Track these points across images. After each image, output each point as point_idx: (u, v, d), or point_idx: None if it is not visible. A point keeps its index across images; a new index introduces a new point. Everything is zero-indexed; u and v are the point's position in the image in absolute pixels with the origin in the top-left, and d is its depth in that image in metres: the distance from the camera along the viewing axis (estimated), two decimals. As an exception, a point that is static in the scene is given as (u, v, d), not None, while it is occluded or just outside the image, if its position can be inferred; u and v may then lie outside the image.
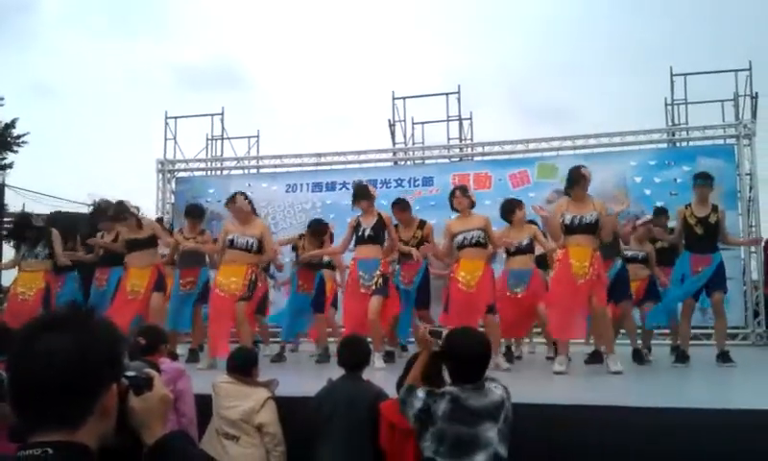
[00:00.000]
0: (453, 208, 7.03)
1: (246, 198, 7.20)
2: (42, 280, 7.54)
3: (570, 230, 6.30)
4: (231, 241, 7.01)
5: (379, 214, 7.08)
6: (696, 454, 3.79)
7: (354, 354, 4.17)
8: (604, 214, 6.30)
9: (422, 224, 7.64)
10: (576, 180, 6.37)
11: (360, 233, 7.02)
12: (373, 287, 6.81)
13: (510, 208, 7.32)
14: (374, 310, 6.73)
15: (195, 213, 8.05)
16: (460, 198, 6.90)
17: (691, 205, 7.05)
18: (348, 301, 7.14)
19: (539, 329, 8.42)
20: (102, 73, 51.71)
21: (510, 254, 7.29)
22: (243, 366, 4.39)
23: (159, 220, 9.42)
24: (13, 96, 35.59)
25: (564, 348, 6.28)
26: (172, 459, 1.32)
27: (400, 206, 7.66)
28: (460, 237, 6.76)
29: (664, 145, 11.37)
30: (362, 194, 7.15)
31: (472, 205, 6.93)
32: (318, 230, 7.98)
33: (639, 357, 7.03)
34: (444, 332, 3.53)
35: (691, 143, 11.21)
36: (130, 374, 1.38)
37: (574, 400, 4.43)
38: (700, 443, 3.83)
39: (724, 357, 6.72)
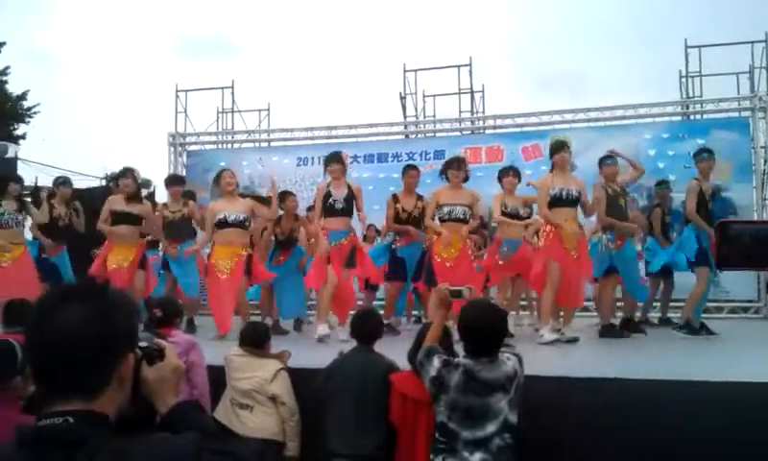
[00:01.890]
0: (446, 178, 6.90)
1: (233, 175, 7.28)
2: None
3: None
4: (224, 219, 7.00)
5: (349, 185, 6.98)
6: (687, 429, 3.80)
7: (366, 327, 4.18)
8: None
9: (420, 197, 7.53)
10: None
11: (330, 204, 6.87)
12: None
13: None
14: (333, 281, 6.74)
15: (177, 182, 8.29)
16: (455, 172, 6.83)
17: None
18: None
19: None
20: (105, 41, 51.34)
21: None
22: (255, 340, 4.43)
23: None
24: (16, 66, 35.12)
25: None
26: (184, 427, 1.34)
27: (412, 169, 7.64)
28: (446, 209, 6.73)
29: (678, 118, 11.24)
30: (335, 159, 7.02)
31: (466, 179, 6.92)
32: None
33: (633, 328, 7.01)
34: (465, 292, 3.55)
35: (705, 116, 11.08)
36: (142, 344, 1.40)
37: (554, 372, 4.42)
38: (698, 416, 3.83)
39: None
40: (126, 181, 7.36)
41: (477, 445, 3.10)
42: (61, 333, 1.22)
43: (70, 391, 1.22)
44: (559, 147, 6.56)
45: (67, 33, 48.05)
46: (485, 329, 3.24)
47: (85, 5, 47.99)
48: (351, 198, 6.89)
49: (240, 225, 7.02)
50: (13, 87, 21.38)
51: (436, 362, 3.24)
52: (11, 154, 11.39)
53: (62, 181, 8.39)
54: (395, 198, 7.50)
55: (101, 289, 1.32)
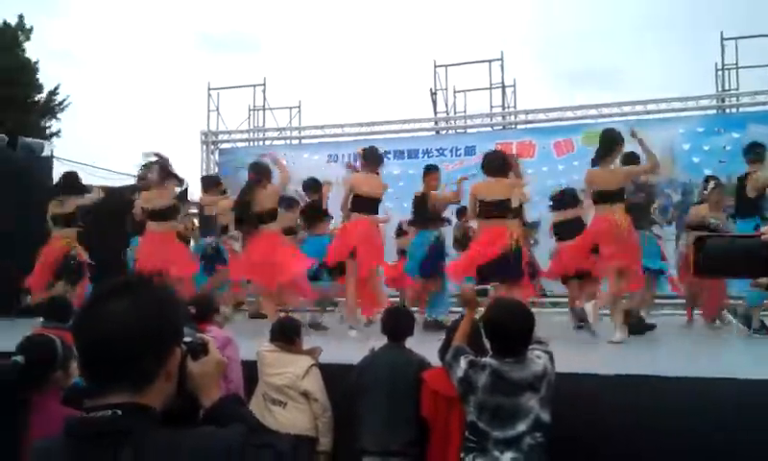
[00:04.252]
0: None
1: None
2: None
3: None
4: None
5: None
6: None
7: (398, 324, 4.18)
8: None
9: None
10: None
11: None
12: None
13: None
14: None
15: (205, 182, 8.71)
16: (486, 167, 6.79)
17: None
18: None
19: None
20: (134, 42, 51.63)
21: None
22: (285, 335, 4.46)
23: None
24: (44, 64, 34.85)
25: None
26: (228, 421, 1.36)
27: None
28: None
29: (713, 111, 11.08)
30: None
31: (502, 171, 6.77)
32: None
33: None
34: (491, 290, 3.55)
35: (741, 109, 10.90)
36: (187, 339, 1.42)
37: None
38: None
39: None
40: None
41: (508, 444, 3.08)
42: (111, 327, 1.24)
43: (118, 384, 1.24)
44: None
45: (94, 33, 48.38)
46: (510, 329, 3.21)
47: (111, 5, 48.38)
48: None
49: None
50: (43, 83, 21.62)
51: (462, 363, 3.23)
52: (46, 152, 11.54)
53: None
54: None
55: (148, 284, 1.35)
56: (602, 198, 6.30)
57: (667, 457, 3.75)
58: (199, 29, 57.74)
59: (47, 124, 21.44)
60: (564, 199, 7.77)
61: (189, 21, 54.24)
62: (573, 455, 3.62)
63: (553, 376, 3.21)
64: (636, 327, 6.65)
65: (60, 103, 21.77)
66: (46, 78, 21.75)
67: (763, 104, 10.63)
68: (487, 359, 3.23)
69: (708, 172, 8.97)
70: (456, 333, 3.51)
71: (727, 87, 11.31)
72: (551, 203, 8.05)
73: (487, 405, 3.13)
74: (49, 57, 41.17)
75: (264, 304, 7.28)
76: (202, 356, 1.43)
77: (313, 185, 8.31)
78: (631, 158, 6.77)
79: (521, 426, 3.08)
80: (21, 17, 21.16)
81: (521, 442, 3.07)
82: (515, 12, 49.06)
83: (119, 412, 1.20)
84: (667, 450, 3.72)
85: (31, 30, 21.39)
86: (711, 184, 7.51)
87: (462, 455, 3.23)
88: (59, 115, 21.83)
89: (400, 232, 9.09)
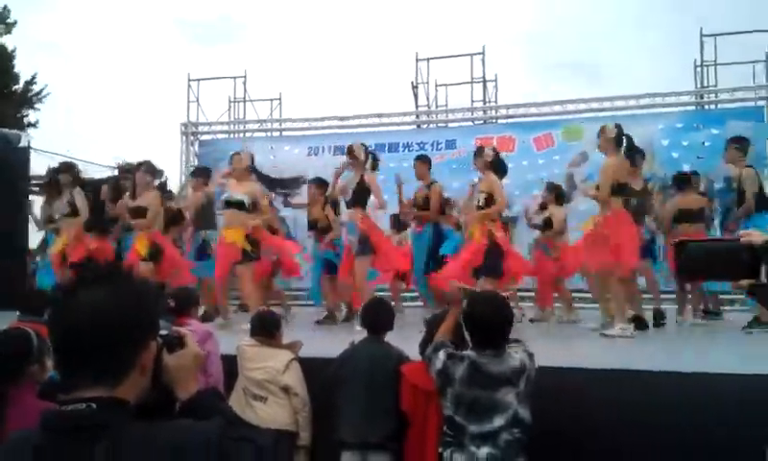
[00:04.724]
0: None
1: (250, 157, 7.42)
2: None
3: None
4: (226, 199, 7.02)
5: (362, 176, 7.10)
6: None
7: (377, 317, 4.18)
8: None
9: (431, 184, 7.73)
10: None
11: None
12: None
13: None
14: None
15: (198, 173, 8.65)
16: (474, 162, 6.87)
17: None
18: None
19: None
20: (113, 32, 51.09)
21: None
22: (266, 329, 4.42)
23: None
24: (24, 55, 34.10)
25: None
26: (205, 414, 1.35)
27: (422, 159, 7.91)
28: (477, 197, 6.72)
29: (692, 108, 11.18)
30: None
31: (491, 166, 6.73)
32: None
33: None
34: (478, 288, 3.55)
35: (720, 106, 11.01)
36: (162, 332, 1.41)
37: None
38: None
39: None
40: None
41: (484, 439, 3.09)
42: (85, 319, 1.23)
43: (93, 378, 1.23)
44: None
45: (73, 23, 47.85)
46: (491, 320, 3.24)
47: (97, -2, 47.92)
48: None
49: (237, 206, 6.92)
50: (20, 73, 21.40)
51: (441, 355, 3.24)
52: (23, 143, 11.37)
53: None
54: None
55: (125, 276, 1.33)
56: (619, 191, 6.09)
57: (653, 452, 3.75)
58: (179, 19, 57.27)
59: (24, 114, 21.18)
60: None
61: (170, 11, 53.82)
62: (558, 450, 3.62)
63: (533, 373, 3.22)
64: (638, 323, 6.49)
65: (38, 93, 21.52)
66: (24, 68, 21.55)
67: (742, 100, 10.75)
68: (466, 352, 3.24)
69: (686, 167, 9.05)
70: (440, 329, 3.50)
71: (706, 84, 11.41)
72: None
73: (464, 399, 3.14)
74: (36, 49, 40.86)
75: (250, 294, 7.01)
76: (177, 349, 1.42)
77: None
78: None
79: (498, 421, 3.09)
80: (5, 8, 20.87)
81: (498, 437, 3.07)
82: (498, 6, 49.16)
83: (94, 406, 1.19)
84: (653, 446, 3.72)
85: (14, 24, 21.12)
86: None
87: (440, 450, 3.24)
88: (36, 106, 21.60)
89: (401, 226, 8.83)
